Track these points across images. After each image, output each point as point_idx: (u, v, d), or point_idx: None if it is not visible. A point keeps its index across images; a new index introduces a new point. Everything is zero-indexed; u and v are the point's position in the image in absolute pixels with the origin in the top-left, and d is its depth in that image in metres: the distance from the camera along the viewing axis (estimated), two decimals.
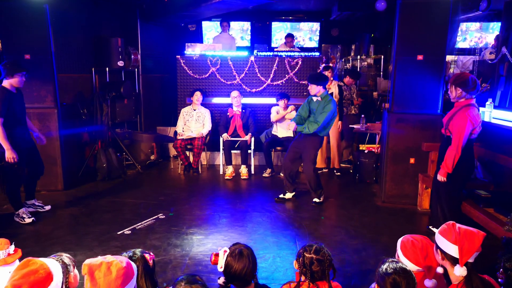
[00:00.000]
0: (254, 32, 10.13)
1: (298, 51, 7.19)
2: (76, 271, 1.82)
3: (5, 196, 5.10)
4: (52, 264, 1.68)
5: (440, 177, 3.69)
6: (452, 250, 1.89)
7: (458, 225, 1.93)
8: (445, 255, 1.93)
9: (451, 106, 3.79)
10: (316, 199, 4.95)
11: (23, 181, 4.44)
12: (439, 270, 1.98)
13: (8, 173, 4.25)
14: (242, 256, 2.02)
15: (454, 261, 1.90)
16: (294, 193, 5.12)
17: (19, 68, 4.05)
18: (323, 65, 6.83)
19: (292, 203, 5.01)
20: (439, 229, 2.01)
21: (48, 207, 4.67)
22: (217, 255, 2.08)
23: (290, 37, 8.02)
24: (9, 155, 4.02)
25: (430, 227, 4.14)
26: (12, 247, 1.97)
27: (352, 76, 6.99)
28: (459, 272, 1.85)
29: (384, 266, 1.83)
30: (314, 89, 4.74)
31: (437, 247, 1.98)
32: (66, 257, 1.78)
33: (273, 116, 6.28)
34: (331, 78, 6.46)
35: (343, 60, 10.14)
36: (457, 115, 3.53)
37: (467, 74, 3.58)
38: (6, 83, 4.07)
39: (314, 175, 4.88)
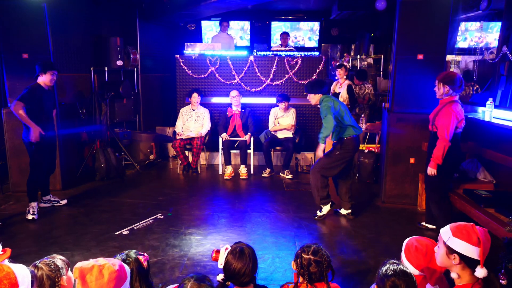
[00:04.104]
0: (254, 31, 10.10)
1: (293, 50, 7.15)
2: (70, 273, 1.78)
3: (4, 196, 5.11)
4: (20, 272, 1.51)
5: (430, 170, 3.77)
6: (474, 252, 1.78)
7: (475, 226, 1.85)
8: (463, 258, 1.81)
9: None
10: (318, 211, 4.45)
11: (44, 173, 4.61)
12: (454, 276, 1.87)
13: (30, 164, 4.46)
14: (243, 255, 2.00)
15: (471, 264, 1.81)
16: (350, 210, 4.50)
17: (51, 66, 4.43)
18: (337, 63, 6.74)
19: (292, 204, 4.98)
20: (453, 234, 1.86)
21: (64, 201, 4.84)
22: (218, 251, 2.06)
23: (285, 34, 7.90)
24: (36, 133, 4.27)
25: (423, 223, 4.22)
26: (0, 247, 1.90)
27: (358, 76, 6.98)
28: (481, 273, 1.76)
29: (385, 268, 1.80)
30: (312, 98, 4.27)
31: (452, 251, 1.84)
32: (59, 260, 1.75)
33: (272, 127, 6.29)
34: (344, 77, 6.39)
35: (342, 59, 10.12)
36: (442, 111, 3.67)
37: (455, 73, 3.75)
38: (40, 80, 4.42)
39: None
